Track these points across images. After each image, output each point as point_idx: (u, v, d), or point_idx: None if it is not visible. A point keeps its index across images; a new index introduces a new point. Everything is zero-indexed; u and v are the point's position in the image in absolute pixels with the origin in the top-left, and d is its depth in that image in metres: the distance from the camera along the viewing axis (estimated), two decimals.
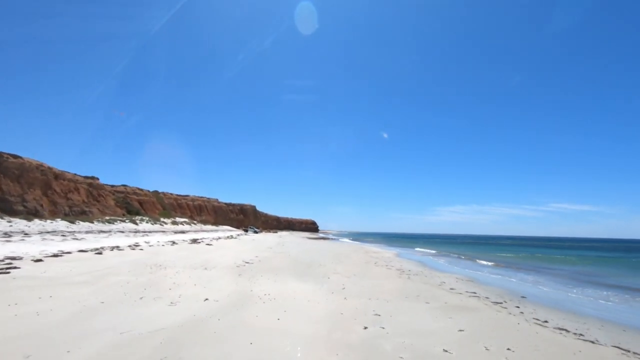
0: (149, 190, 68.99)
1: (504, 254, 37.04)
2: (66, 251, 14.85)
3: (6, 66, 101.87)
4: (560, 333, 6.90)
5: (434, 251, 37.86)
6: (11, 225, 27.62)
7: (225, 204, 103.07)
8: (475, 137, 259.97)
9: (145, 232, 38.14)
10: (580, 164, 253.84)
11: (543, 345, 5.89)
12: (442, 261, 25.57)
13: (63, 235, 23.05)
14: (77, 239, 21.98)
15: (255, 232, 76.87)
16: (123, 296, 7.39)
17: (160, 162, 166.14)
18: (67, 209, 39.52)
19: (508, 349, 5.54)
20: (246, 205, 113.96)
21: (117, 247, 19.07)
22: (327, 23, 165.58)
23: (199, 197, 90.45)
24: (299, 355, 4.79)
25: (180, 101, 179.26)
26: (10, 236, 20.29)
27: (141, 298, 7.32)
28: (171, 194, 79.32)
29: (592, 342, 6.46)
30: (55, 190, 39.20)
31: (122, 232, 34.37)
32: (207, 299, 7.59)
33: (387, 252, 31.84)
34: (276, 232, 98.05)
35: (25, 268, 9.97)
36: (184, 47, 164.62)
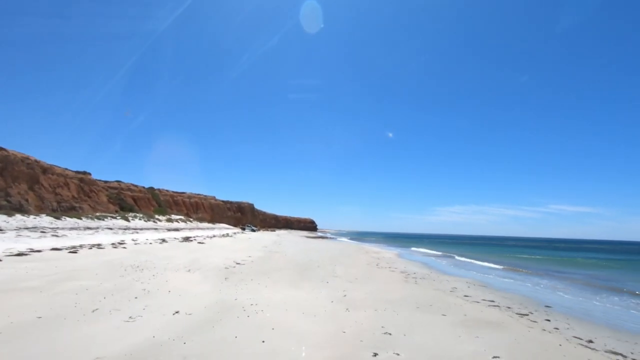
0: (144, 187, 67.21)
1: (508, 255, 35.86)
2: (36, 249, 13.39)
3: (7, 66, 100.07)
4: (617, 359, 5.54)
5: (435, 252, 36.55)
6: None
7: (223, 201, 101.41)
8: (475, 138, 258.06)
9: (136, 230, 36.64)
10: (581, 165, 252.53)
11: None
12: (445, 263, 24.31)
13: (43, 232, 21.53)
14: (57, 235, 20.48)
15: (253, 230, 75.52)
16: (72, 308, 5.94)
17: (162, 161, 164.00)
18: (55, 204, 37.89)
19: None
20: (244, 203, 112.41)
21: (99, 245, 17.62)
22: (333, 22, 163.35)
23: (195, 194, 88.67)
24: None
25: (185, 100, 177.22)
26: None
27: (94, 311, 5.88)
28: (167, 190, 77.51)
29: None
30: (42, 185, 37.56)
31: (111, 229, 32.86)
32: (177, 312, 6.17)
33: (387, 253, 30.53)
34: (274, 231, 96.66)
35: None
36: (189, 46, 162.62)
